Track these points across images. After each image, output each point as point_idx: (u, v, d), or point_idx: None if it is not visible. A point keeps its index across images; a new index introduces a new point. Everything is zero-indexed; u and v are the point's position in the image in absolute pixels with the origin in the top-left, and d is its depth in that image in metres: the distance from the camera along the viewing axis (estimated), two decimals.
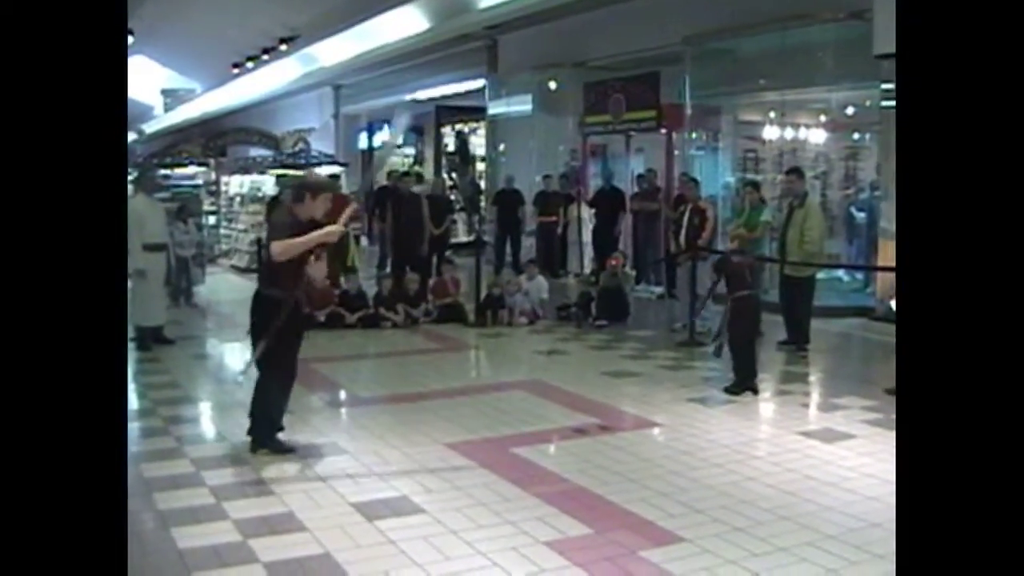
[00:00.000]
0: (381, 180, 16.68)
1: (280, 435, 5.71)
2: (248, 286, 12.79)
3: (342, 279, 10.82)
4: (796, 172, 9.75)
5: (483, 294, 11.06)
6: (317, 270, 5.61)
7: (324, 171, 17.69)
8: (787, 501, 4.83)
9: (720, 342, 7.48)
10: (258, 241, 11.69)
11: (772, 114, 13.45)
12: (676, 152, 14.39)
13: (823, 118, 13.71)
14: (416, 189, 13.75)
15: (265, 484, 5.09)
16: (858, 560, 4.07)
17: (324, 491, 4.97)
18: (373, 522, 4.51)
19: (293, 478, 5.21)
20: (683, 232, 10.20)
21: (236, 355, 9.68)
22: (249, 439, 5.69)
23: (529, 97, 17.24)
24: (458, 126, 24.91)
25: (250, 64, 23.88)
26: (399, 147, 26.86)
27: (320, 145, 23.83)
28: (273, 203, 13.73)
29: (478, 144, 23.44)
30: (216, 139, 25.68)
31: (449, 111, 24.29)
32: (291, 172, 18.21)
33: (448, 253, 13.67)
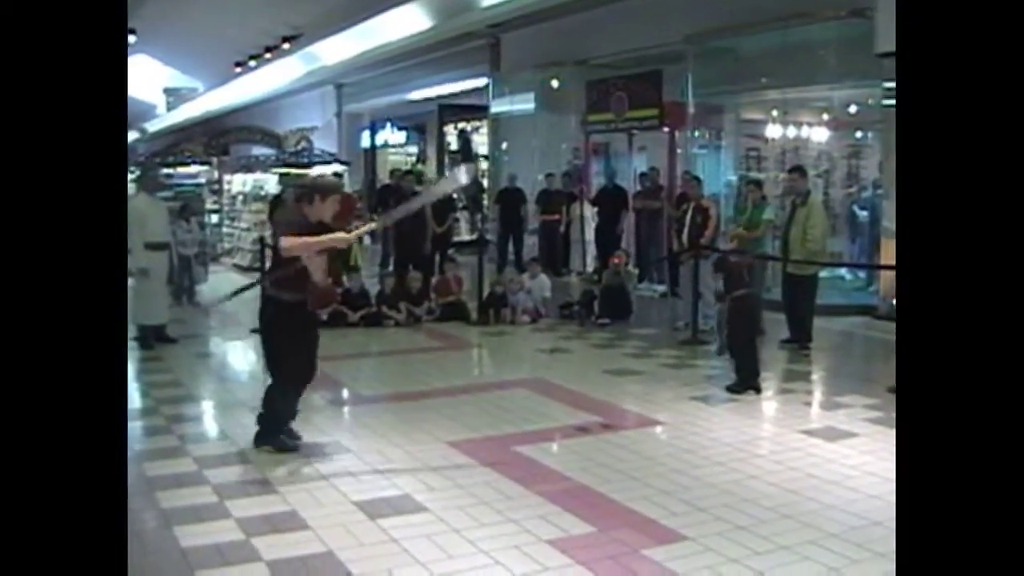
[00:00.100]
0: None
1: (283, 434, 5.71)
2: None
3: (345, 278, 10.83)
4: (798, 170, 9.76)
5: (486, 292, 11.07)
6: (318, 269, 5.61)
7: (327, 170, 17.72)
8: (789, 499, 4.83)
9: (722, 342, 7.48)
10: (261, 240, 11.70)
11: (774, 112, 13.45)
12: (678, 150, 14.38)
13: (825, 116, 13.70)
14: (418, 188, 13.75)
15: (268, 483, 5.09)
16: (860, 558, 4.08)
17: (327, 489, 4.97)
18: (376, 520, 4.51)
19: (296, 476, 5.22)
20: (686, 230, 10.20)
21: (238, 354, 9.70)
22: (254, 436, 5.72)
23: (531, 95, 17.23)
24: (461, 125, 24.92)
25: (252, 63, 23.90)
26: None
27: (323, 144, 23.84)
28: (276, 202, 13.73)
29: (481, 143, 23.44)
30: (219, 138, 25.69)
31: (452, 110, 24.31)
32: (293, 171, 18.23)
33: (451, 251, 13.67)
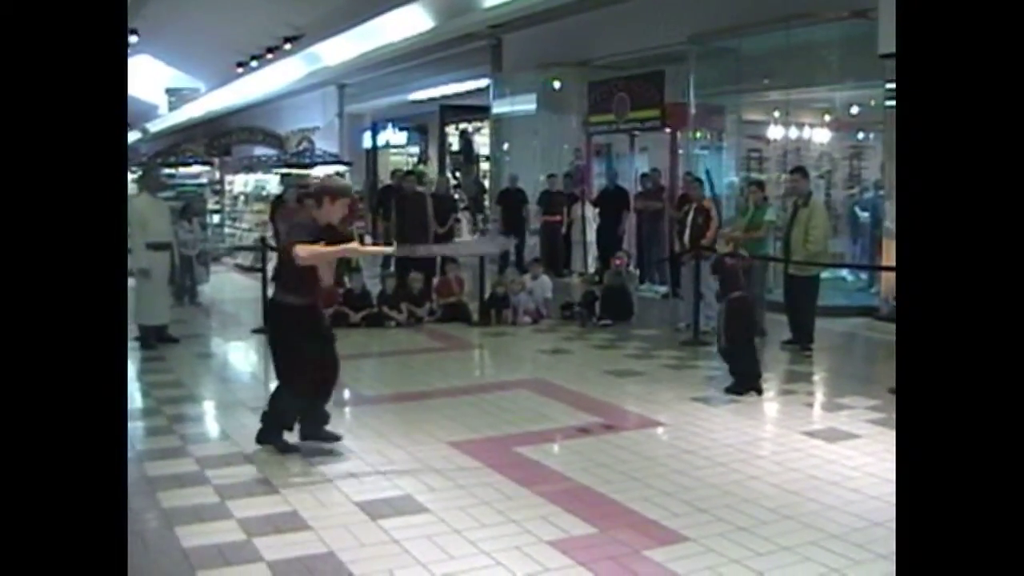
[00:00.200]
0: None
1: (285, 434, 5.71)
2: (252, 285, 12.86)
3: (346, 278, 10.83)
4: (800, 171, 9.77)
5: (487, 293, 11.07)
6: (327, 272, 5.59)
7: (328, 170, 17.73)
8: (790, 500, 4.83)
9: (722, 344, 7.46)
10: (262, 240, 11.71)
11: (776, 113, 13.45)
12: (680, 151, 14.38)
13: (827, 117, 13.72)
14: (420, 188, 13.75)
15: (269, 483, 5.10)
16: (861, 559, 4.07)
17: (328, 490, 4.98)
18: (377, 521, 4.51)
19: (297, 477, 5.23)
20: (687, 231, 10.20)
21: (240, 354, 9.71)
22: (256, 433, 5.72)
23: (533, 96, 17.23)
24: (462, 125, 24.92)
25: (254, 63, 23.93)
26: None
27: (324, 144, 23.87)
28: (277, 202, 13.74)
29: (482, 143, 23.44)
30: (220, 138, 25.72)
31: (453, 110, 24.31)
32: (295, 171, 18.27)
33: None
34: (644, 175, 14.59)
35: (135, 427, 6.25)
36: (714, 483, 5.10)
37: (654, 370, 8.28)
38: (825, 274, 10.29)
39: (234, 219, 19.34)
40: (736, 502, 4.79)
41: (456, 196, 18.54)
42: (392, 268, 12.71)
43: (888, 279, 10.68)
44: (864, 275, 12.94)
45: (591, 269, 14.48)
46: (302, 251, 5.30)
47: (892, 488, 4.84)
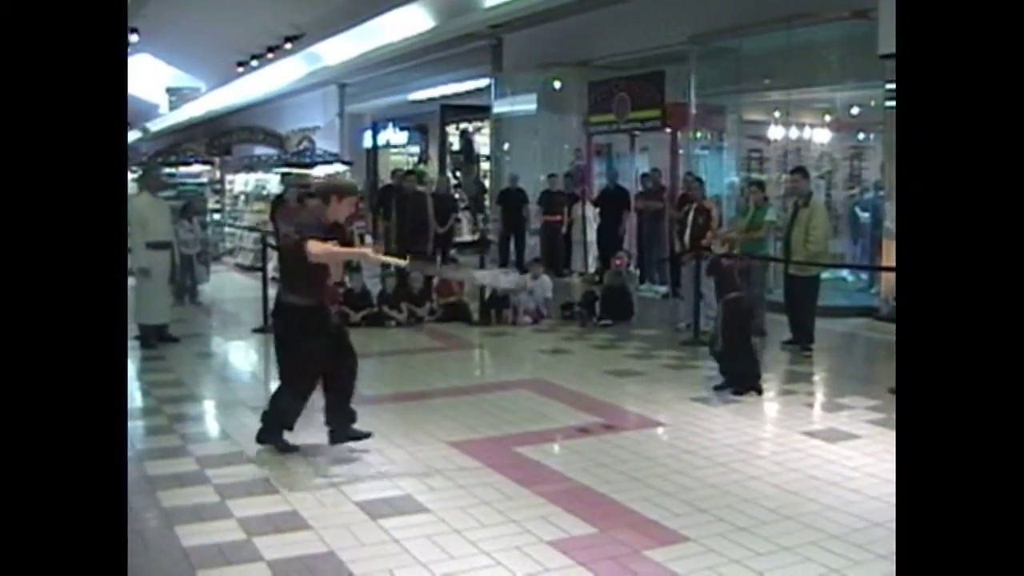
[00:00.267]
0: None
1: (286, 434, 5.71)
2: (252, 284, 12.86)
3: (346, 278, 10.83)
4: (801, 172, 9.77)
5: (487, 293, 11.07)
6: (336, 271, 5.57)
7: (328, 170, 17.75)
8: (790, 501, 4.83)
9: (719, 346, 7.44)
10: (263, 239, 11.71)
11: (777, 113, 13.45)
12: (680, 151, 14.38)
13: (828, 118, 13.72)
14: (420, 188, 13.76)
15: (269, 483, 5.10)
16: (861, 560, 4.08)
17: (328, 489, 4.98)
18: (377, 521, 4.51)
19: (297, 477, 5.23)
20: (687, 231, 10.21)
21: (240, 353, 9.71)
22: (256, 433, 5.72)
23: (534, 96, 17.23)
24: (463, 125, 24.92)
25: (255, 63, 23.92)
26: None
27: (325, 144, 23.86)
28: (278, 201, 13.74)
29: (482, 143, 23.44)
30: (221, 137, 25.71)
31: (454, 110, 24.29)
32: (296, 171, 18.27)
33: (452, 252, 13.67)
34: (644, 175, 14.59)
35: (135, 426, 6.25)
36: (714, 483, 5.11)
37: (654, 370, 8.28)
38: (825, 274, 10.29)
39: (234, 218, 19.33)
40: (736, 502, 4.79)
41: (456, 196, 18.55)
42: (392, 268, 12.72)
43: (888, 279, 10.68)
44: (864, 275, 12.94)
45: (591, 269, 14.49)
46: (315, 248, 5.26)
47: (892, 488, 4.84)
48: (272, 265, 11.32)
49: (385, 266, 13.14)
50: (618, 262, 11.59)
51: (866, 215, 13.16)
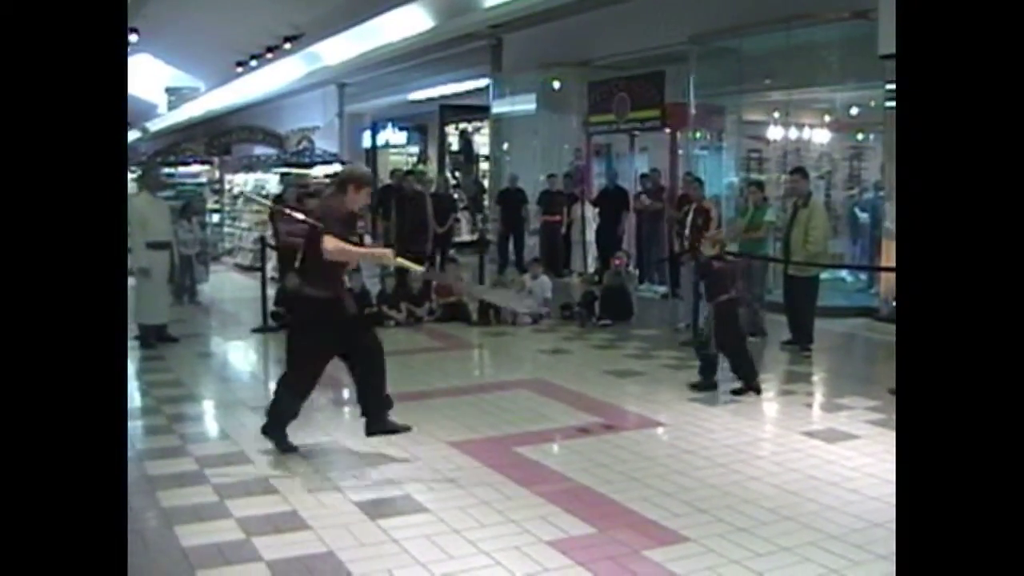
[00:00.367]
0: None
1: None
2: (252, 284, 12.84)
3: (345, 278, 10.81)
4: (800, 172, 9.77)
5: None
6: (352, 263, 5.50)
7: (328, 170, 17.73)
8: (790, 501, 4.83)
9: (709, 350, 7.41)
10: (261, 240, 11.70)
11: (776, 114, 13.44)
12: (680, 151, 14.38)
13: (827, 118, 13.71)
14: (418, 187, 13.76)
15: (268, 482, 5.10)
16: (861, 560, 4.08)
17: (327, 489, 4.98)
18: (376, 521, 4.51)
19: (296, 476, 5.22)
20: (687, 232, 10.20)
21: (240, 353, 9.71)
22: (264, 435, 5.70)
23: (533, 96, 17.21)
24: (462, 125, 24.92)
25: (254, 63, 23.91)
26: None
27: (324, 144, 23.86)
28: (276, 202, 13.72)
29: (482, 143, 23.45)
30: (220, 137, 25.71)
31: (453, 110, 24.30)
32: (295, 170, 18.26)
33: (452, 252, 13.67)
34: (644, 175, 14.59)
35: (135, 426, 6.25)
36: (713, 483, 5.10)
37: (654, 370, 8.28)
38: (825, 275, 10.29)
39: (234, 218, 19.32)
40: (736, 502, 4.79)
41: (455, 196, 18.55)
42: (391, 268, 12.72)
43: (887, 280, 10.68)
44: (863, 276, 12.94)
45: (591, 269, 14.49)
46: (331, 245, 5.17)
47: (891, 489, 4.84)
48: (271, 265, 11.33)
49: (404, 270, 13.21)
50: (617, 262, 11.59)
51: (865, 215, 13.16)
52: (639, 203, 13.99)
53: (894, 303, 10.13)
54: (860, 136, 13.86)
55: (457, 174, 24.03)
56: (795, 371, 8.43)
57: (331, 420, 6.51)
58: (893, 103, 10.62)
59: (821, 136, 13.79)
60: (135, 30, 20.01)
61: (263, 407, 5.80)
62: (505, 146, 18.87)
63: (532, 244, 16.04)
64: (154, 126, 37.66)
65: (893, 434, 5.90)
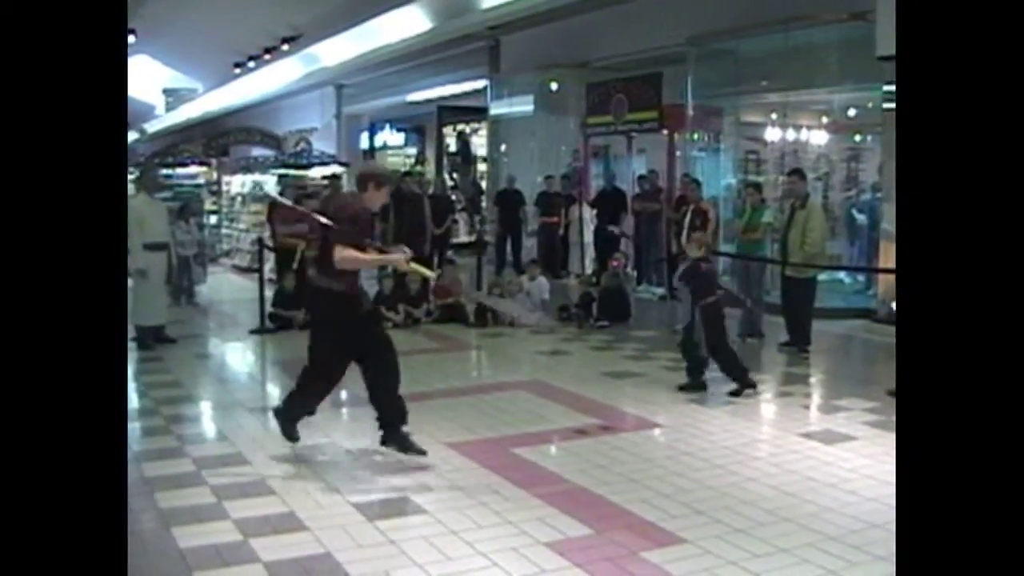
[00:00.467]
0: None
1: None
2: (249, 286, 12.84)
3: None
4: (798, 173, 9.76)
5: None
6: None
7: (326, 171, 17.73)
8: (788, 502, 4.83)
9: (700, 352, 7.41)
10: (259, 241, 11.70)
11: (774, 115, 13.45)
12: (678, 153, 14.39)
13: (825, 119, 13.72)
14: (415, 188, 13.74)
15: (266, 484, 5.09)
16: (859, 561, 4.07)
17: (325, 491, 4.97)
18: (374, 522, 4.51)
19: (294, 478, 5.22)
20: (684, 233, 10.19)
21: (238, 354, 9.70)
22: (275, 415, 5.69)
23: (531, 97, 17.23)
24: (460, 126, 24.93)
25: (252, 64, 23.89)
26: None
27: (322, 145, 23.84)
28: (274, 202, 13.71)
29: (480, 145, 23.45)
30: (218, 139, 25.69)
31: (451, 111, 24.31)
32: (293, 172, 18.26)
33: (449, 253, 13.66)
34: (641, 177, 14.59)
35: (132, 427, 6.23)
36: (711, 485, 5.10)
37: (652, 371, 8.27)
38: (822, 276, 10.29)
39: (231, 220, 19.31)
40: (733, 504, 4.79)
41: (453, 197, 18.54)
42: (389, 269, 12.70)
43: (885, 281, 10.69)
44: (861, 277, 12.94)
45: (588, 271, 14.48)
46: (341, 255, 5.07)
47: (889, 490, 4.85)
48: (269, 267, 11.32)
49: (385, 270, 13.18)
50: (615, 263, 11.58)
51: (863, 217, 13.17)
52: (637, 203, 13.99)
53: (892, 304, 10.14)
54: (858, 137, 13.87)
55: (455, 175, 24.03)
56: (793, 372, 8.43)
57: (329, 421, 6.49)
58: (891, 104, 10.63)
59: (819, 137, 13.80)
60: (133, 31, 19.99)
61: (261, 408, 5.79)
62: (503, 147, 18.87)
63: (530, 245, 16.04)
64: (152, 127, 37.63)
65: (891, 435, 5.91)
